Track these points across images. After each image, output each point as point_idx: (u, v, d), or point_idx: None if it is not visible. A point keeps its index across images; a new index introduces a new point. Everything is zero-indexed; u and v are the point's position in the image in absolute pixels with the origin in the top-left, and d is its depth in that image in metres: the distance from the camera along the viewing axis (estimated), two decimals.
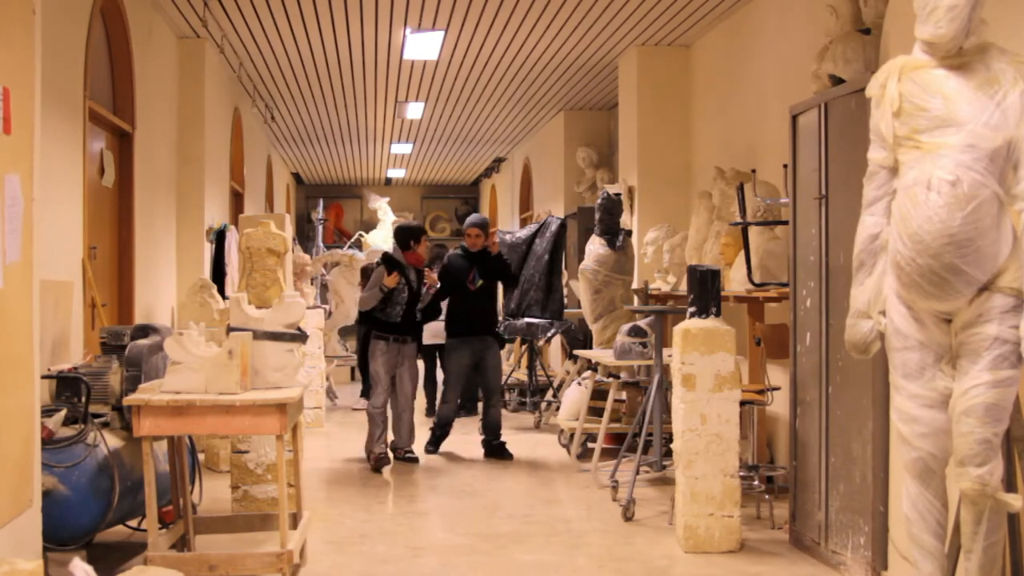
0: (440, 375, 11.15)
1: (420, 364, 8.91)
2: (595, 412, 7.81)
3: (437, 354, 10.70)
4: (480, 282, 8.30)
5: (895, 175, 3.58)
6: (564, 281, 10.87)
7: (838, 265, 5.01)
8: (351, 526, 5.96)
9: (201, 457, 6.77)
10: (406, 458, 7.91)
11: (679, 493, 5.48)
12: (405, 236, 7.95)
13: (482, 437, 8.27)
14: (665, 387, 6.52)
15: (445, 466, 7.38)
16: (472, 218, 8.51)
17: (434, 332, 10.75)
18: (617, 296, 8.29)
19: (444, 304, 8.52)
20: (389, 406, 7.93)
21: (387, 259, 7.85)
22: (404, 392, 7.91)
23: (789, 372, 5.64)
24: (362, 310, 8.09)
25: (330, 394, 11.26)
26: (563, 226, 10.01)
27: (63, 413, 4.75)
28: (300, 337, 4.87)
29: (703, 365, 5.42)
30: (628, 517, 6.09)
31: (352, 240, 16.09)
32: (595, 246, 8.31)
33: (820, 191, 5.22)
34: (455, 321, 8.34)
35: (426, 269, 8.00)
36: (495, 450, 8.15)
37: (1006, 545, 3.55)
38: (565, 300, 10.58)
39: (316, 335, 9.04)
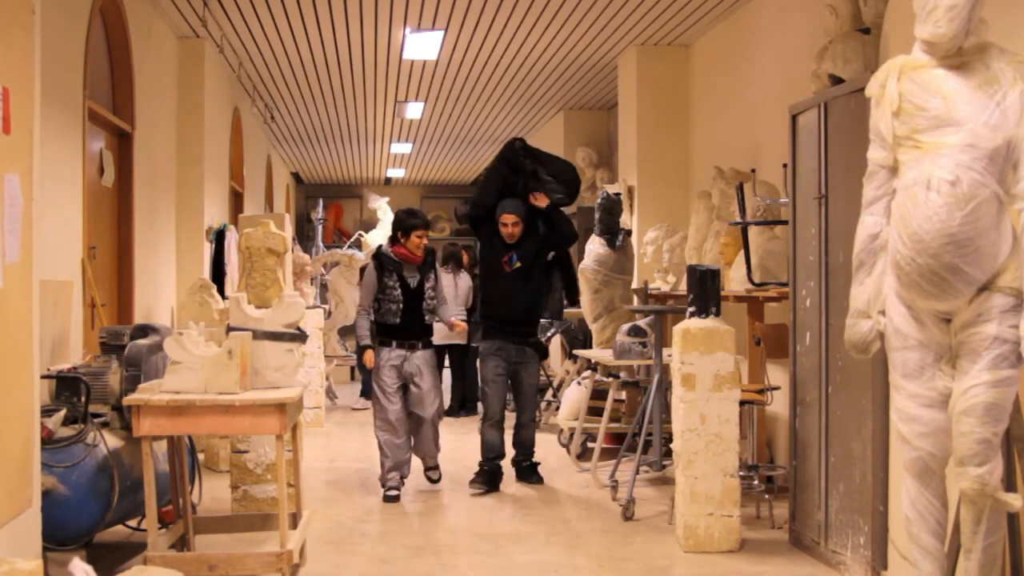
0: (446, 378, 11.22)
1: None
2: (595, 412, 7.81)
3: (446, 355, 10.67)
4: (517, 264, 6.92)
5: (895, 175, 3.57)
6: None
7: (838, 265, 5.01)
8: (351, 526, 5.96)
9: (201, 457, 6.77)
10: (428, 476, 6.94)
11: (679, 493, 5.48)
12: (395, 226, 6.84)
13: (513, 461, 7.22)
14: (665, 387, 6.52)
15: (445, 467, 7.38)
16: (506, 203, 6.97)
17: (446, 331, 10.68)
18: (617, 296, 8.29)
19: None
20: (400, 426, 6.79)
21: (376, 256, 6.84)
22: (424, 406, 6.71)
23: (789, 372, 5.64)
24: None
25: (330, 394, 11.27)
26: None
27: (63, 413, 4.75)
28: (300, 337, 4.87)
29: (703, 365, 5.42)
30: (628, 517, 6.09)
31: (352, 240, 16.09)
32: (595, 246, 8.31)
33: (820, 191, 5.22)
34: (487, 318, 7.06)
35: (454, 319, 7.13)
36: (524, 472, 7.14)
37: (1006, 545, 3.55)
38: (564, 300, 10.56)
39: (316, 335, 9.04)
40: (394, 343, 6.70)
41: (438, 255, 7.28)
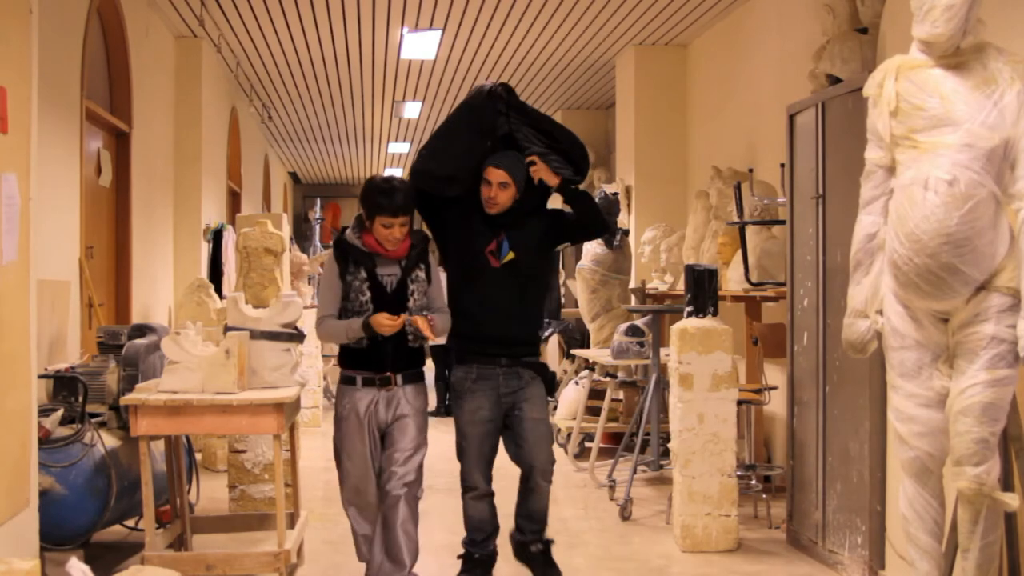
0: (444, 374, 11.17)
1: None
2: (592, 411, 7.81)
3: (447, 356, 10.63)
4: (509, 255, 4.53)
5: (892, 174, 3.58)
6: (561, 280, 10.86)
7: (835, 264, 5.01)
8: (348, 525, 5.95)
9: (198, 457, 6.77)
10: None
11: (676, 492, 5.49)
12: (361, 201, 4.45)
13: (515, 534, 4.74)
14: (662, 386, 6.52)
15: (441, 465, 7.34)
16: (495, 159, 4.56)
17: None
18: (614, 295, 8.30)
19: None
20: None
21: (337, 244, 4.51)
22: (395, 474, 4.38)
23: (786, 371, 5.64)
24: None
25: (327, 393, 11.26)
26: None
27: (60, 413, 4.75)
28: (297, 336, 4.87)
29: (700, 364, 5.43)
30: (625, 516, 6.09)
31: None
32: (592, 245, 8.32)
33: (817, 190, 5.22)
34: (461, 337, 4.64)
35: (418, 317, 4.33)
36: (534, 561, 4.70)
37: (1003, 544, 3.55)
38: (562, 299, 10.55)
39: (313, 334, 9.00)
40: (359, 379, 4.42)
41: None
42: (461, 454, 4.58)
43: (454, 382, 4.64)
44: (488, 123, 4.57)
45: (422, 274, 4.47)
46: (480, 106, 4.59)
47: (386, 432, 4.45)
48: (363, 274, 4.38)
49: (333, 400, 11.25)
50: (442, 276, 4.67)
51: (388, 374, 4.40)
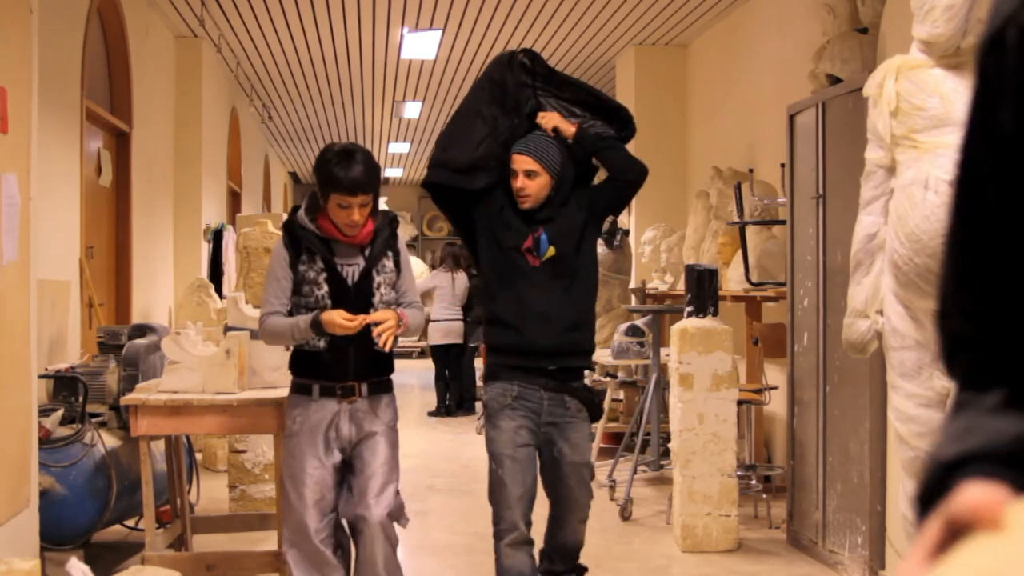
0: (446, 374, 11.13)
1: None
2: None
3: (448, 356, 10.59)
4: (550, 251, 3.79)
5: (892, 174, 3.58)
6: None
7: (835, 265, 5.01)
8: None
9: (199, 457, 6.77)
10: None
11: (676, 492, 5.49)
12: (316, 177, 3.64)
13: (543, 563, 4.10)
14: (662, 386, 6.52)
15: (442, 465, 7.36)
16: (519, 144, 3.85)
17: (445, 330, 10.51)
18: (614, 295, 8.30)
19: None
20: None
21: (288, 228, 3.75)
22: (367, 499, 3.65)
23: (787, 372, 5.64)
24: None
25: None
26: None
27: (60, 413, 4.75)
28: None
29: (700, 364, 5.43)
30: (625, 516, 6.09)
31: None
32: None
33: (817, 191, 5.22)
34: (498, 351, 3.88)
35: (388, 314, 3.58)
36: None
37: None
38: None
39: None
40: (316, 388, 3.69)
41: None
42: (496, 489, 3.84)
43: (488, 400, 3.83)
44: (512, 98, 3.92)
45: (390, 263, 3.73)
46: (501, 79, 3.95)
47: (351, 455, 3.70)
48: (319, 264, 3.64)
49: None
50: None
51: (351, 383, 3.65)
